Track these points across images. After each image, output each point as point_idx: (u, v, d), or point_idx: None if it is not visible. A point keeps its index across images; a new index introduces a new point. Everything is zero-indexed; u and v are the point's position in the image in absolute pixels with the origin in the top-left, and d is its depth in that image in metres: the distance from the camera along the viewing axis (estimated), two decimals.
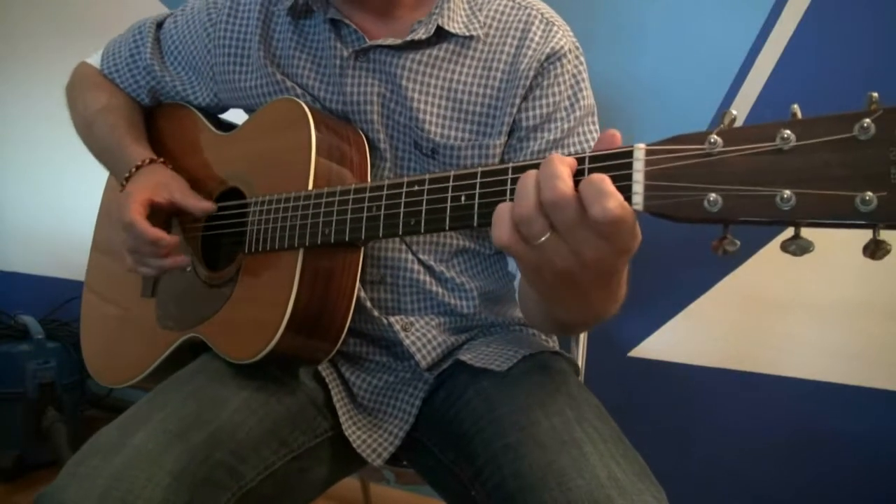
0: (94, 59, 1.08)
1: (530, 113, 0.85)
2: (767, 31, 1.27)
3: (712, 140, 0.47)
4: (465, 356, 0.86)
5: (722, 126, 0.48)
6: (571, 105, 0.86)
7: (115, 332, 1.04)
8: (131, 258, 0.88)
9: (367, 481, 1.48)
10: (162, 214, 0.89)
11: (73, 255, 2.01)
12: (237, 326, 0.83)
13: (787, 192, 0.44)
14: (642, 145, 0.50)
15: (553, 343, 0.96)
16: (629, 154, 0.51)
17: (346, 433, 0.85)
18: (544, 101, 0.85)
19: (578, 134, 0.86)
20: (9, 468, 1.74)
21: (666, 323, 1.41)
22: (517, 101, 0.85)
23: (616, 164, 0.51)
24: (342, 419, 0.86)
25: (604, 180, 0.49)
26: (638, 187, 0.50)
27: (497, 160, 0.86)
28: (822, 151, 0.43)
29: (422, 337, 0.88)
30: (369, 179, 0.85)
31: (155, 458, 0.67)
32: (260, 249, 0.81)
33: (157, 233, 0.84)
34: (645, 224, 0.53)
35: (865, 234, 0.44)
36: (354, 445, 0.85)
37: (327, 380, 0.88)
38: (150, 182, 0.89)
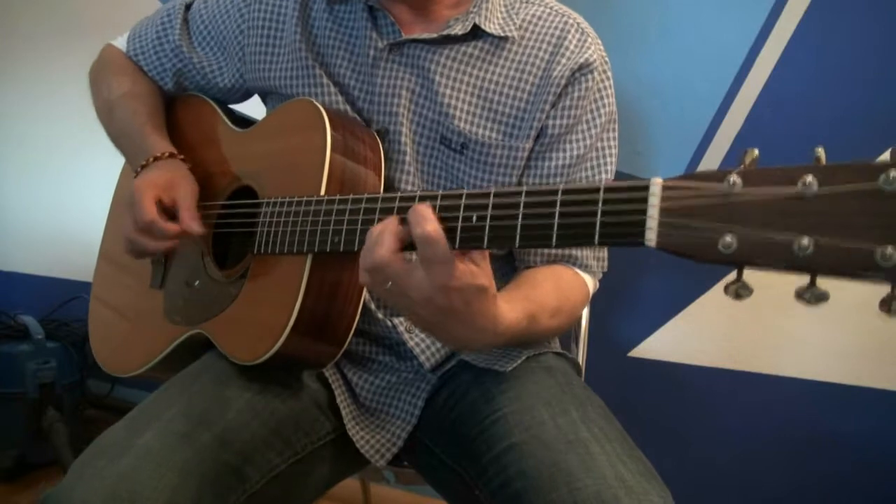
0: (121, 42, 1.07)
1: (557, 121, 0.86)
2: (767, 31, 1.27)
3: (731, 180, 0.46)
4: (468, 356, 0.86)
5: (742, 166, 0.46)
6: (593, 118, 0.88)
7: (122, 321, 1.04)
8: (132, 246, 0.88)
9: (367, 481, 1.48)
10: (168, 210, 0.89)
11: (73, 255, 2.03)
12: (242, 327, 0.83)
13: (805, 240, 0.42)
14: (659, 180, 0.49)
15: (555, 344, 0.96)
16: (645, 188, 0.50)
17: (350, 433, 0.85)
18: (570, 112, 0.87)
19: (598, 149, 0.90)
20: (9, 468, 1.74)
21: (666, 323, 1.41)
22: (547, 107, 0.86)
23: (631, 198, 0.51)
24: (346, 419, 0.86)
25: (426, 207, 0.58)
26: (652, 223, 0.49)
27: (525, 162, 0.88)
28: (844, 200, 0.42)
29: (426, 338, 0.88)
30: (382, 184, 0.84)
31: (162, 458, 0.67)
32: (269, 251, 0.81)
33: (178, 231, 0.85)
34: None
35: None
36: (358, 446, 0.85)
37: (330, 380, 0.88)
38: (162, 179, 0.88)
